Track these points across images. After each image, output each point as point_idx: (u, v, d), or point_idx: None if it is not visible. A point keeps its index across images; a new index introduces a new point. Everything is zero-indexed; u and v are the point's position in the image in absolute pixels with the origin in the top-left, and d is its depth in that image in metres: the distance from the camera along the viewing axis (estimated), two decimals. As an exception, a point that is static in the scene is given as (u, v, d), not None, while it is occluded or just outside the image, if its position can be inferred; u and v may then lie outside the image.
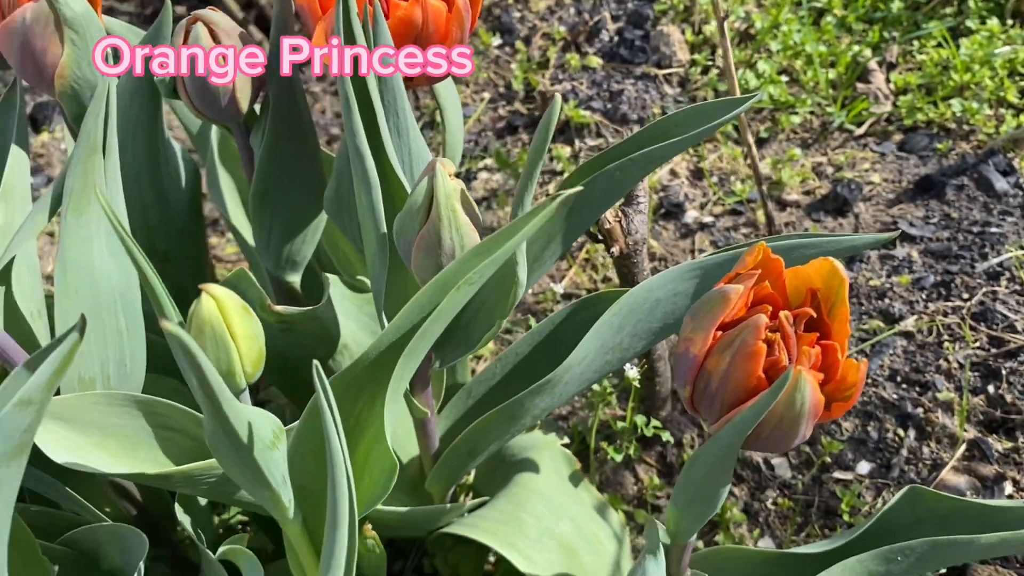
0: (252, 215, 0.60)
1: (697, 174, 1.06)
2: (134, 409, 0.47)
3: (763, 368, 0.41)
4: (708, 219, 1.00)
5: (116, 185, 0.52)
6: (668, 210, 1.01)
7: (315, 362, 0.36)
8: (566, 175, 0.75)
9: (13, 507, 0.41)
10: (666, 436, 0.75)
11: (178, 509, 0.49)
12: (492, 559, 0.73)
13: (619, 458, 0.74)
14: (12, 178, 0.61)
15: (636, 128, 1.11)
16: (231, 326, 0.35)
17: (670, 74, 1.16)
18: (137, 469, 0.46)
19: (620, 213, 0.65)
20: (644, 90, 1.13)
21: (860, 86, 1.12)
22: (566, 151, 1.09)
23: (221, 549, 0.45)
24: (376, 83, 0.49)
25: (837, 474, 0.77)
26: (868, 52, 1.14)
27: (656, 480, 0.77)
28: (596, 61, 1.18)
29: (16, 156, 0.62)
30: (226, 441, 0.37)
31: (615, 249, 0.66)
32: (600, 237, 0.67)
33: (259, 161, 0.58)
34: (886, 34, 1.18)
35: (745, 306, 0.43)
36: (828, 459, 0.78)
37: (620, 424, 0.75)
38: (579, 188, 0.45)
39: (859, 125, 1.08)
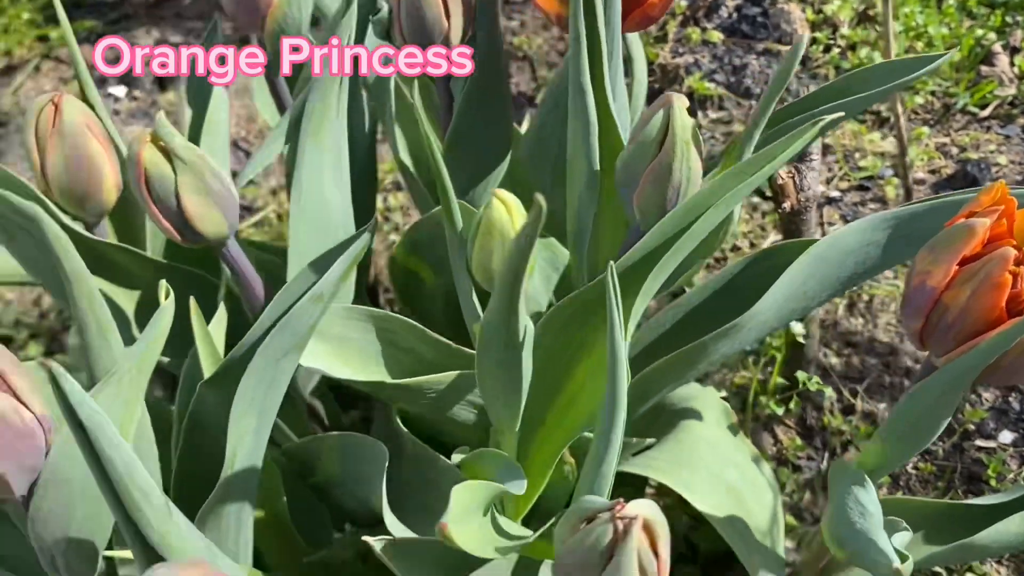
0: (445, 156, 0.62)
1: (821, 149, 1.06)
2: (369, 324, 0.50)
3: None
4: (835, 194, 1.01)
5: (343, 117, 0.55)
6: (794, 183, 1.02)
7: (611, 263, 0.38)
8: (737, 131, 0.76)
9: (281, 399, 0.44)
10: (828, 391, 0.77)
11: (398, 422, 0.52)
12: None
13: (780, 412, 0.75)
14: (214, 114, 0.64)
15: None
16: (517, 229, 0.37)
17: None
18: (374, 378, 0.49)
19: (793, 169, 0.67)
20: (767, 65, 1.14)
21: (984, 69, 1.12)
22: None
23: (455, 456, 0.47)
24: (605, 26, 0.51)
25: (979, 442, 0.78)
26: (992, 35, 1.14)
27: (797, 441, 0.79)
28: (717, 36, 1.19)
29: (218, 94, 0.65)
30: (505, 337, 0.39)
31: (786, 205, 0.67)
32: (771, 193, 0.68)
33: (459, 106, 0.61)
34: (1009, 19, 1.17)
35: (980, 243, 0.44)
36: (970, 427, 0.78)
37: (779, 380, 0.77)
38: (840, 114, 0.46)
39: (983, 107, 1.08)
